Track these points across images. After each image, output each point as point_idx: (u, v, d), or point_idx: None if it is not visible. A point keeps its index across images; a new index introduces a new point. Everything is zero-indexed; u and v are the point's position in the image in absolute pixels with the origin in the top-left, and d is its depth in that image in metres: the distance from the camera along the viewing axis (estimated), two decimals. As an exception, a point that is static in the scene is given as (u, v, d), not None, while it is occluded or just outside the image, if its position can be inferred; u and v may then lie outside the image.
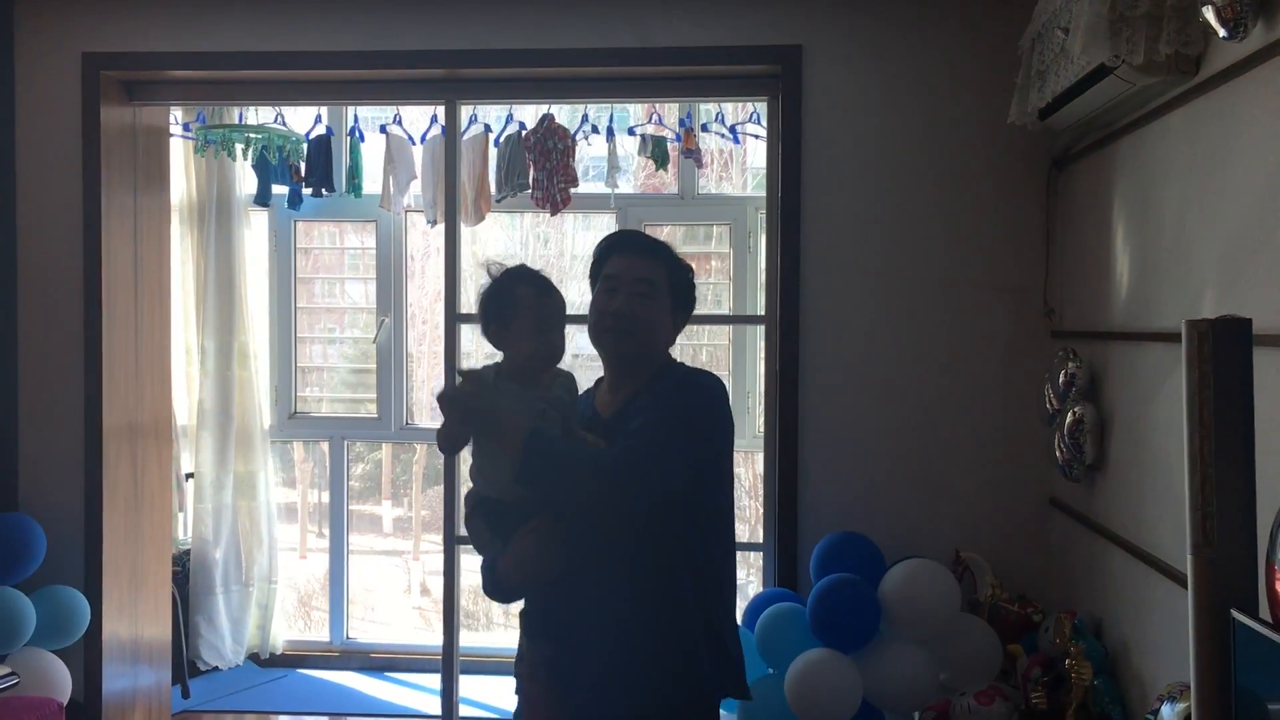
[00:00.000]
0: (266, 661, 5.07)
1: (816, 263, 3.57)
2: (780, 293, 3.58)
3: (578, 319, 2.34)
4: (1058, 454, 3.13)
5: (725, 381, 4.86)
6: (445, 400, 2.05)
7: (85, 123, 3.72)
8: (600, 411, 2.22)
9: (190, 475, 4.96)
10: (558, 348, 2.16)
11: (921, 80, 3.53)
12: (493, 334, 2.16)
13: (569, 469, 2.01)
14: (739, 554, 5.82)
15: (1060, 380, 3.11)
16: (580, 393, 2.25)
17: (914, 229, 3.55)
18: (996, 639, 3.18)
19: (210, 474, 4.87)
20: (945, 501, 3.55)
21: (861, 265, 3.57)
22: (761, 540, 3.78)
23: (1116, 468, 2.92)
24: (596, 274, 2.25)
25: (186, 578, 4.85)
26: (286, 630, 5.36)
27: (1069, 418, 3.03)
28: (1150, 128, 2.69)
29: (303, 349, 5.32)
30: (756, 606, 3.44)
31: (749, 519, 6.73)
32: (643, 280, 2.17)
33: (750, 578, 6.57)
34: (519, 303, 2.13)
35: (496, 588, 2.20)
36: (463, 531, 3.18)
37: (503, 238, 6.24)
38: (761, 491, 3.93)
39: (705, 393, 2.16)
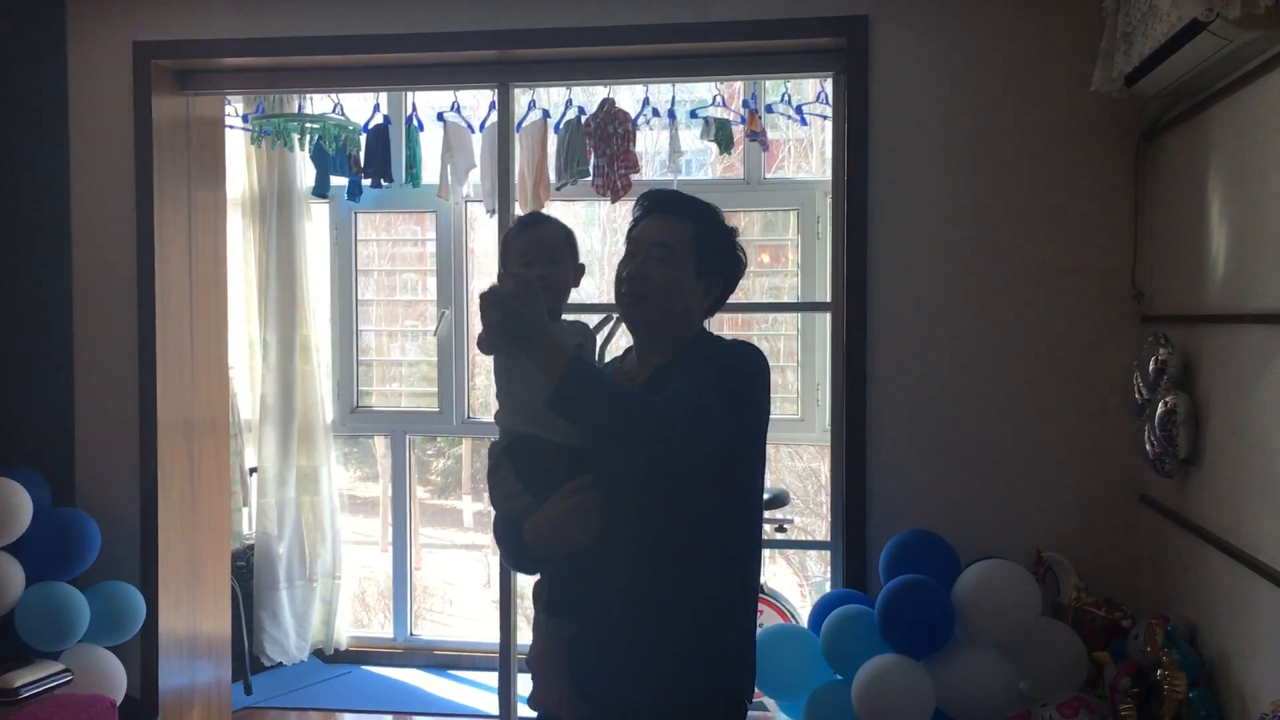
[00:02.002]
0: (331, 658, 5.04)
1: (885, 246, 3.38)
2: (847, 278, 3.40)
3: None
4: (1148, 447, 2.90)
5: (795, 374, 4.75)
6: (490, 299, 1.86)
7: (137, 114, 3.68)
8: (625, 378, 2.13)
9: (254, 470, 4.94)
10: (549, 278, 2.06)
11: (996, 49, 3.32)
12: (500, 279, 2.09)
13: (609, 400, 1.87)
14: (815, 552, 5.70)
15: (1150, 368, 2.88)
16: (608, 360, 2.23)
17: (991, 209, 3.34)
18: (1081, 646, 2.97)
19: (273, 468, 4.85)
20: (1025, 498, 3.33)
21: (934, 248, 3.36)
22: (829, 538, 3.60)
23: (1213, 462, 2.68)
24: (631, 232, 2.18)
25: (251, 572, 4.83)
26: (352, 626, 5.33)
27: (1160, 408, 2.80)
28: (1249, 90, 2.46)
29: (369, 342, 5.27)
30: (823, 608, 3.26)
31: (826, 514, 6.54)
32: (660, 243, 2.08)
33: (826, 573, 6.37)
34: (506, 244, 2.15)
35: (520, 554, 2.09)
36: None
37: (577, 228, 6.11)
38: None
39: (744, 360, 2.06)
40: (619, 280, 2.11)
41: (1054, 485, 3.32)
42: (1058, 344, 3.31)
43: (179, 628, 3.83)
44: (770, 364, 2.13)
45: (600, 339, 4.12)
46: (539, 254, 2.10)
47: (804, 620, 4.46)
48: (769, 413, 2.12)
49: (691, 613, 2.01)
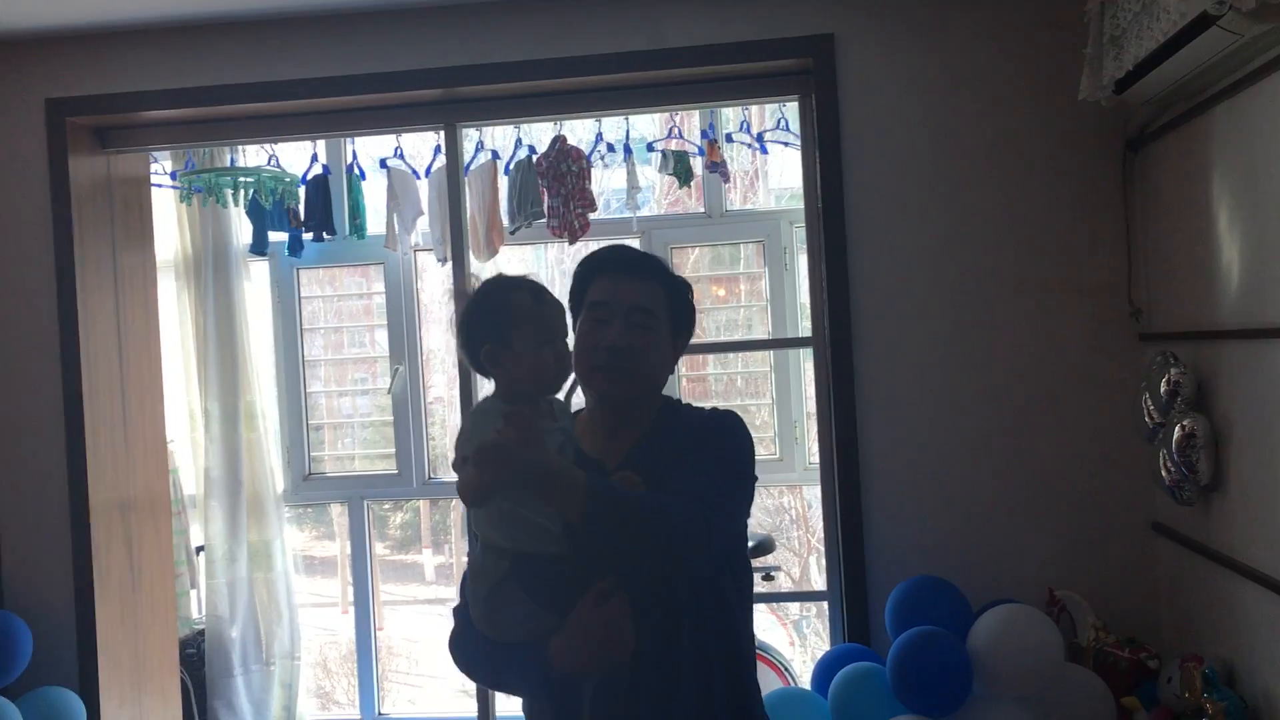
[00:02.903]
0: (293, 745, 4.70)
1: (866, 275, 3.19)
2: (828, 311, 3.20)
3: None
4: (1164, 474, 2.72)
5: (771, 412, 4.54)
6: (492, 452, 1.57)
7: (53, 177, 3.41)
8: (589, 452, 1.84)
9: (201, 549, 4.62)
10: (568, 360, 1.80)
11: (968, 63, 3.16)
12: (488, 355, 1.75)
13: (637, 520, 1.63)
14: (804, 604, 5.48)
15: (1162, 389, 2.69)
16: None
17: (974, 230, 3.16)
18: (1108, 691, 2.77)
19: (221, 546, 4.52)
20: (1031, 534, 3.14)
21: (918, 274, 3.18)
22: (825, 588, 3.37)
23: (1240, 487, 2.50)
24: (580, 300, 1.89)
25: (202, 660, 4.50)
26: (315, 708, 5.00)
27: (1176, 432, 2.61)
28: (1256, 89, 2.30)
29: (320, 404, 4.98)
30: (827, 666, 3.04)
31: (802, 553, 6.33)
32: (639, 308, 1.83)
33: (801, 610, 6.13)
34: (517, 311, 1.75)
35: (545, 685, 1.73)
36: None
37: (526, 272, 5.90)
38: (813, 524, 3.52)
39: (744, 435, 1.85)
40: (592, 350, 1.83)
41: (1061, 518, 3.13)
42: (1054, 368, 3.13)
43: (125, 730, 3.51)
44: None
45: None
46: (560, 330, 1.79)
47: (799, 672, 4.23)
48: None
49: (734, 694, 1.83)
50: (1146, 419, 2.82)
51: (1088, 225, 3.12)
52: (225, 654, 4.49)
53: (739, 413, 1.92)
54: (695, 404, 1.96)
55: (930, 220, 3.17)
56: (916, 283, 3.18)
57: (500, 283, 1.82)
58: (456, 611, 1.86)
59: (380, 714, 4.82)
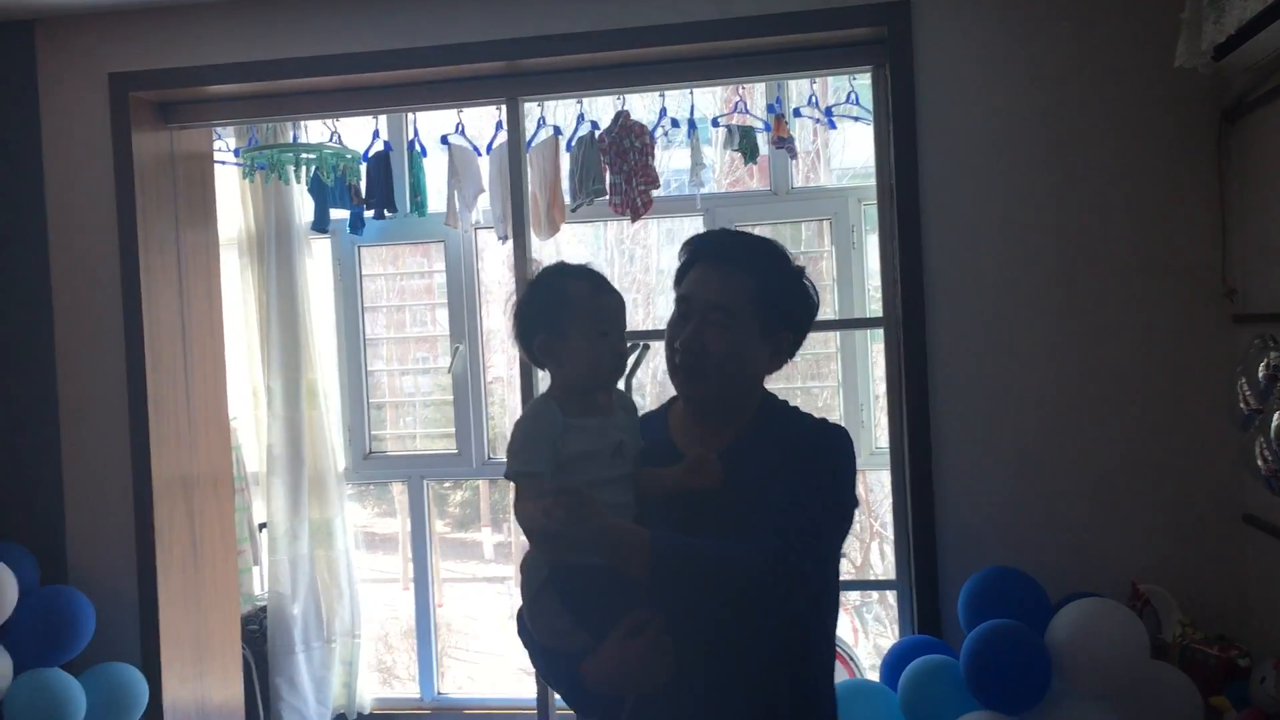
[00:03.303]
0: (354, 722, 4.71)
1: (942, 253, 3.07)
2: (901, 290, 3.09)
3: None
4: (1259, 463, 2.57)
5: (836, 393, 4.44)
6: (541, 537, 1.62)
7: (116, 152, 3.41)
8: (681, 448, 1.77)
9: (264, 525, 4.64)
10: (624, 355, 1.75)
11: (1056, 28, 3.01)
12: (541, 345, 1.72)
13: (708, 578, 1.59)
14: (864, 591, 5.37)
15: (1260, 374, 2.55)
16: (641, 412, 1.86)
17: (1057, 206, 3.02)
18: (1195, 690, 2.64)
19: (284, 523, 4.53)
20: (1113, 525, 3.01)
21: (996, 252, 3.05)
22: (891, 576, 3.27)
23: (1345, 479, 2.35)
24: (677, 287, 1.85)
25: (264, 637, 4.51)
26: (376, 684, 5.01)
27: (1276, 419, 2.47)
28: (1372, 52, 2.15)
29: (380, 382, 4.97)
30: (897, 657, 2.94)
31: (864, 538, 6.22)
32: (718, 306, 1.75)
33: (861, 598, 6.02)
34: (574, 302, 1.70)
35: (581, 698, 1.72)
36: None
37: (586, 255, 5.85)
38: (874, 508, 3.42)
39: (846, 458, 1.76)
40: (669, 348, 1.80)
41: (1145, 507, 2.99)
42: (1141, 351, 2.99)
43: (187, 706, 3.53)
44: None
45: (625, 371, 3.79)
46: (617, 322, 1.73)
47: (863, 661, 4.14)
48: None
49: (798, 707, 1.75)
50: (1241, 405, 2.67)
51: (1179, 201, 2.97)
52: (287, 630, 4.50)
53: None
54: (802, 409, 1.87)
55: (1010, 195, 3.04)
56: (994, 261, 3.05)
57: (557, 270, 1.77)
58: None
59: (439, 694, 4.82)
